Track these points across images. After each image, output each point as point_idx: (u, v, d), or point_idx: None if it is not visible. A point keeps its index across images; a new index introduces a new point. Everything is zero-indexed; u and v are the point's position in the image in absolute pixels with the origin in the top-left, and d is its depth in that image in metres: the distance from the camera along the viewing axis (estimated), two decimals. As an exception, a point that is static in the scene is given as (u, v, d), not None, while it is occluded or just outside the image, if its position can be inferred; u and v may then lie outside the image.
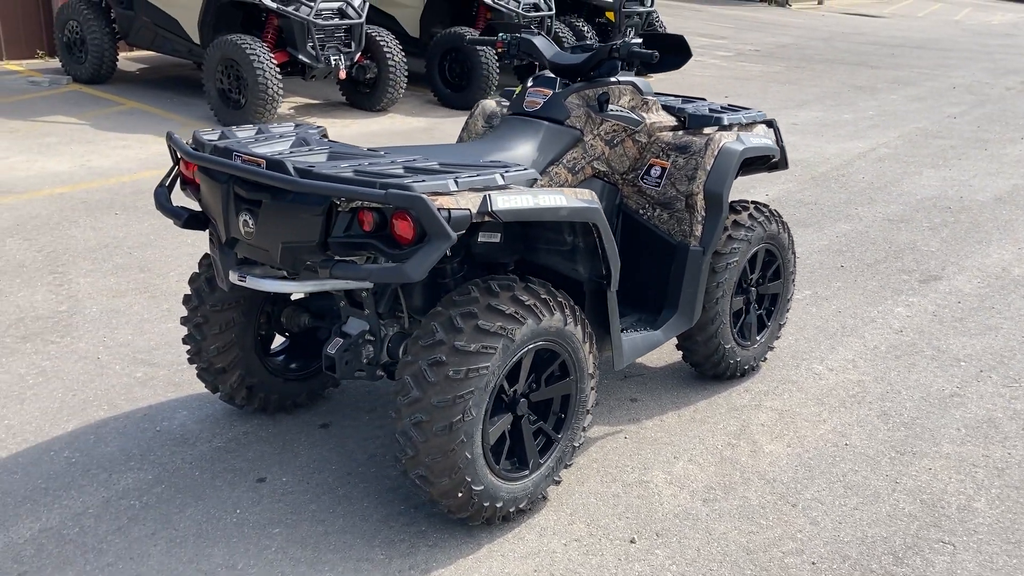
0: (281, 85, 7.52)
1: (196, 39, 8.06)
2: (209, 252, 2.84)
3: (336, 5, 7.89)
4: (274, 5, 7.58)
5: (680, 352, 3.69)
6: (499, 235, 2.83)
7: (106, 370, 3.64)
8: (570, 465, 2.88)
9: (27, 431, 3.19)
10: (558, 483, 2.88)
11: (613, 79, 3.37)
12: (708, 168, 3.28)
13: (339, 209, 2.44)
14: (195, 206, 3.04)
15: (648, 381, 3.66)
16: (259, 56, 7.38)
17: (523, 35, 3.56)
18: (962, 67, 13.28)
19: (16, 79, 9.02)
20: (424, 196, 2.30)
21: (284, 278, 2.73)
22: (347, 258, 2.49)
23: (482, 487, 2.60)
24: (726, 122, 3.43)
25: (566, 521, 2.80)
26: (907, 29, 18.38)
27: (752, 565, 2.61)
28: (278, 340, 3.39)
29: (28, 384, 3.51)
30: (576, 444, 2.88)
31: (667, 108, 3.58)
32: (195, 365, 3.19)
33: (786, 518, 2.83)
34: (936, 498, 2.94)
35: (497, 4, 9.11)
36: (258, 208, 2.52)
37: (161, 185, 2.95)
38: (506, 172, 2.55)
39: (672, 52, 3.34)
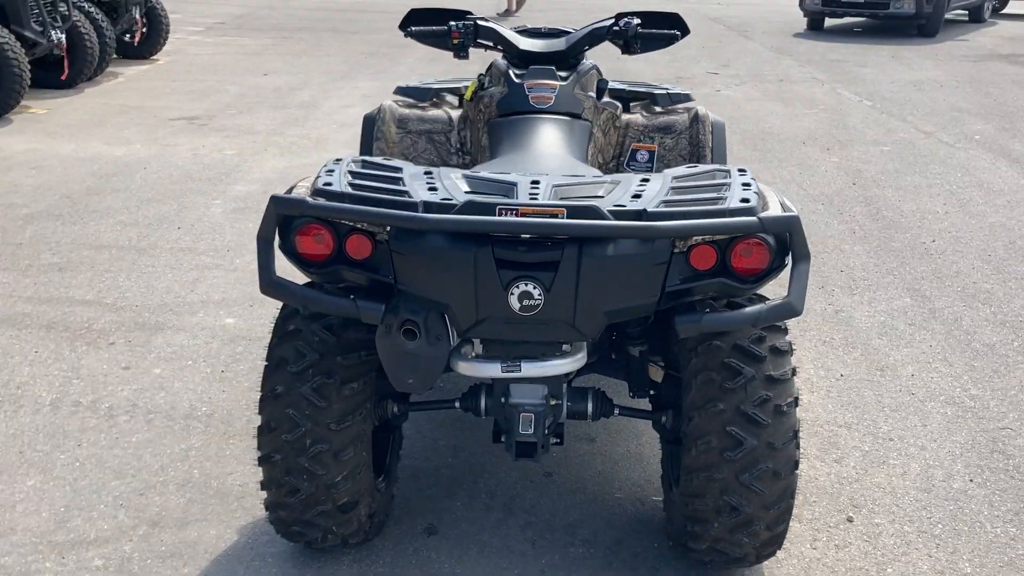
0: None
1: None
2: (391, 349, 2.04)
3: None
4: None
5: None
6: None
7: (55, 572, 2.38)
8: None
9: None
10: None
11: (590, 63, 3.14)
12: (711, 145, 3.25)
13: (675, 251, 1.97)
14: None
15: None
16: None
17: (477, 21, 3.10)
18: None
19: None
20: (799, 216, 1.99)
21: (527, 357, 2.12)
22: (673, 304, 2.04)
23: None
24: (692, 98, 3.41)
25: (779, 527, 2.68)
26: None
27: (950, 503, 2.81)
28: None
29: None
30: None
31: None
32: (300, 515, 2.28)
33: (927, 454, 3.05)
34: (973, 397, 3.43)
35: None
36: (552, 272, 1.91)
37: (266, 274, 2.02)
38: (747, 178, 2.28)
39: (670, 29, 3.20)
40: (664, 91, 3.37)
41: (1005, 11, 17.50)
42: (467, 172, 2.18)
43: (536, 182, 2.10)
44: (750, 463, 2.17)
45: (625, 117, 3.25)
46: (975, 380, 3.54)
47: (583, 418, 2.45)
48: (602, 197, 2.05)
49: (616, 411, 2.49)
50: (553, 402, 2.35)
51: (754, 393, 2.18)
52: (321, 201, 1.97)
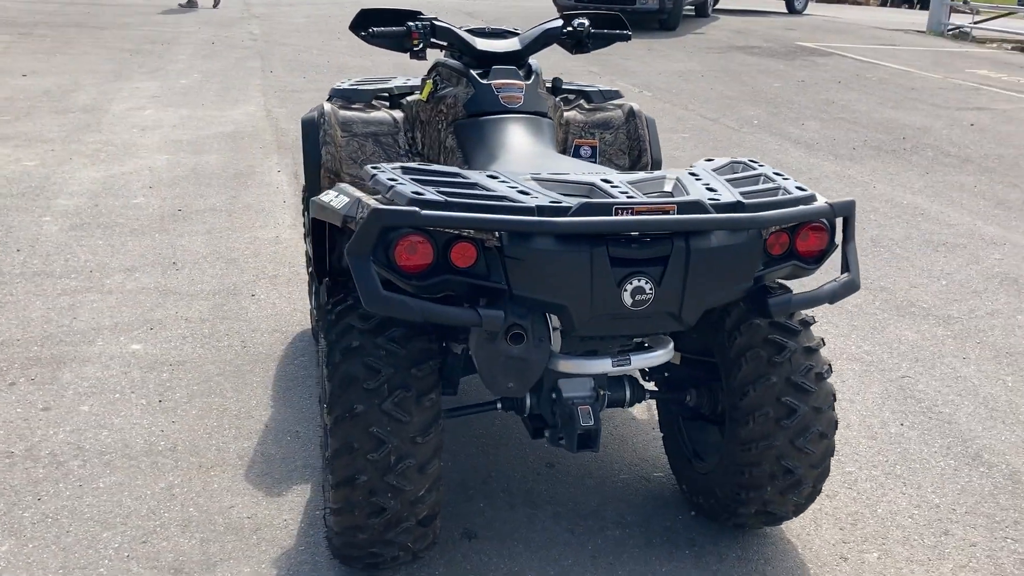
0: None
1: None
2: (495, 355, 2.03)
3: None
4: None
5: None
6: None
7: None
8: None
9: None
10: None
11: (536, 63, 3.22)
12: (648, 139, 3.42)
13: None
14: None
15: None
16: None
17: (433, 22, 3.07)
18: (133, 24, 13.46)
19: None
20: (855, 201, 2.20)
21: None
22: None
23: None
24: (622, 95, 3.56)
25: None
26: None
27: (895, 446, 3.18)
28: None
29: None
30: None
31: None
32: (381, 535, 2.20)
33: (857, 407, 3.40)
34: (869, 353, 3.84)
35: None
36: (661, 267, 2.00)
37: (374, 290, 1.94)
38: (772, 167, 2.47)
39: (615, 30, 3.32)
40: (596, 88, 3.51)
41: (719, 6, 19.31)
42: (533, 174, 2.21)
43: (607, 180, 2.17)
44: (803, 428, 2.37)
45: (565, 114, 3.35)
46: (863, 338, 4.00)
47: (621, 405, 2.54)
48: (671, 192, 2.16)
49: (647, 395, 2.61)
50: (601, 392, 2.44)
51: (799, 364, 2.38)
52: (432, 212, 1.92)
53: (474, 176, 2.15)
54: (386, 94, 3.46)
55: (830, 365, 2.45)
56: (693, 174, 2.28)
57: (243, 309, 3.99)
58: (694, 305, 2.06)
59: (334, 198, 2.26)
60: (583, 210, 1.95)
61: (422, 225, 1.93)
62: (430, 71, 3.21)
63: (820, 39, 14.82)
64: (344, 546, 2.27)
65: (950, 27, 16.87)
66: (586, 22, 3.20)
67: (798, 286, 2.35)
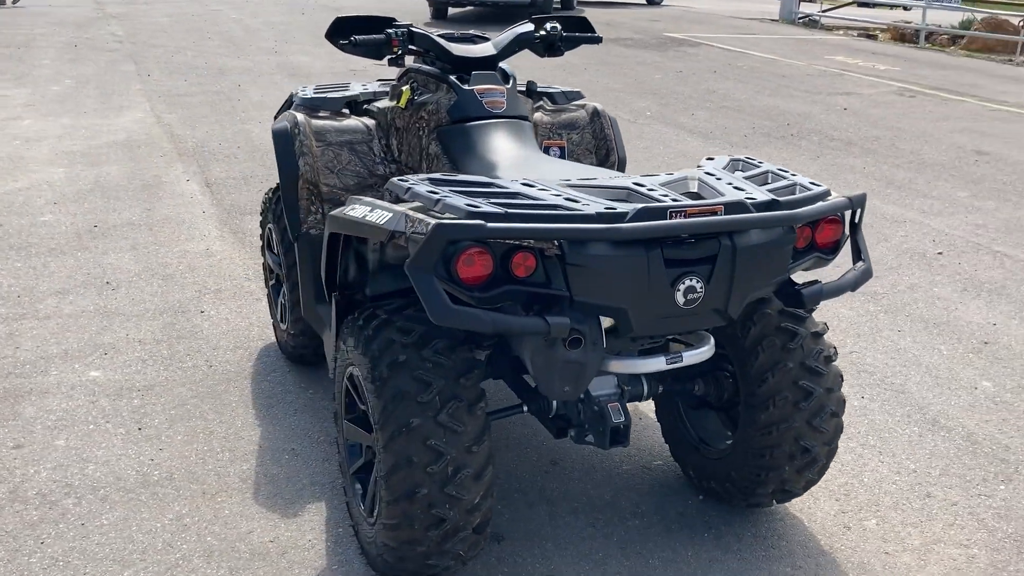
0: None
1: None
2: (553, 360, 2.07)
3: None
4: None
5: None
6: None
7: None
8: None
9: None
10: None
11: (508, 66, 3.26)
12: (613, 138, 3.50)
13: (787, 234, 2.22)
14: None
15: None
16: None
17: (411, 29, 3.05)
18: None
19: None
20: (866, 193, 2.34)
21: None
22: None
23: None
24: (583, 95, 3.62)
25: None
26: None
27: (863, 418, 3.39)
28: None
29: None
30: None
31: None
32: (439, 547, 2.20)
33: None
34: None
35: None
36: (709, 265, 2.08)
37: (443, 304, 1.93)
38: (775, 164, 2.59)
39: (583, 32, 3.38)
40: (559, 90, 3.57)
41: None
42: (564, 181, 2.25)
43: (640, 183, 2.24)
44: (818, 408, 2.51)
45: (534, 116, 3.40)
46: (805, 317, 4.22)
47: (639, 399, 2.62)
48: (699, 193, 2.25)
49: (660, 388, 2.70)
50: (625, 388, 2.51)
51: (810, 348, 2.52)
52: (497, 224, 1.93)
53: (511, 185, 2.17)
54: (349, 101, 3.41)
55: (835, 348, 2.60)
56: (710, 174, 2.38)
57: (196, 327, 3.85)
58: (739, 300, 2.16)
59: (369, 212, 2.23)
60: (641, 215, 2.01)
61: (488, 237, 1.94)
62: (401, 77, 3.19)
63: (685, 29, 15.35)
64: (398, 560, 2.25)
65: (800, 15, 17.79)
66: (558, 26, 3.26)
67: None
